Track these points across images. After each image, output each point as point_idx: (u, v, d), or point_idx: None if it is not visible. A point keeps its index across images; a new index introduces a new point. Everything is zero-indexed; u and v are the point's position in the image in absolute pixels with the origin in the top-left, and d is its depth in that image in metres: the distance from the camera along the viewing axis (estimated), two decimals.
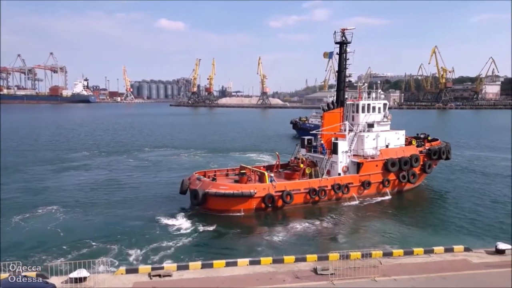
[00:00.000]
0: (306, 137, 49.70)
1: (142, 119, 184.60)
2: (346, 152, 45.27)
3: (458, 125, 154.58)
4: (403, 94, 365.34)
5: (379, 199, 44.77)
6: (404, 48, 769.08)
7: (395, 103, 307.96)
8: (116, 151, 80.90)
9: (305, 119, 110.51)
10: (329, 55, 50.83)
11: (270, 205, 38.58)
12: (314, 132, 50.52)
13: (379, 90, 51.80)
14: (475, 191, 48.66)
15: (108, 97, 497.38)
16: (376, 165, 45.45)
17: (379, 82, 56.02)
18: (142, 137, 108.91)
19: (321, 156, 45.76)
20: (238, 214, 37.91)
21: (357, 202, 42.95)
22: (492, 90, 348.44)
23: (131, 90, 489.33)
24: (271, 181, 39.84)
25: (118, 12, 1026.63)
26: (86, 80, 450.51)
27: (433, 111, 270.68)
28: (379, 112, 49.22)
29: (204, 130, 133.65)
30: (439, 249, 23.87)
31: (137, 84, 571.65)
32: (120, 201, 43.08)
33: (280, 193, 38.99)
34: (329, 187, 41.89)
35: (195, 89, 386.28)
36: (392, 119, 50.64)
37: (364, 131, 47.33)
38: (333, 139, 46.63)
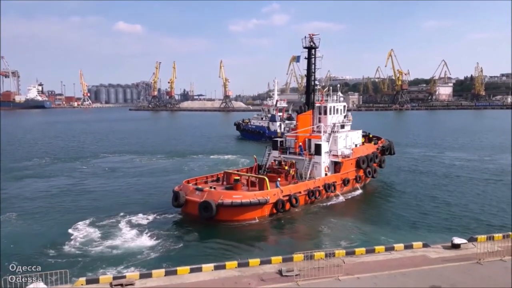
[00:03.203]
0: (279, 139, 50.81)
1: (99, 125, 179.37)
2: (327, 152, 46.58)
3: (414, 126, 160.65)
4: (361, 96, 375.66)
5: (353, 194, 47.43)
6: (361, 51, 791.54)
7: (354, 105, 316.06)
8: (72, 157, 78.16)
9: (247, 121, 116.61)
10: (296, 59, 52.63)
11: (281, 210, 38.57)
12: (289, 134, 51.39)
13: (339, 93, 53.60)
14: (427, 188, 50.79)
15: (64, 102, 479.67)
16: (351, 163, 48.03)
17: (338, 85, 58.15)
18: (99, 143, 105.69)
19: (299, 157, 46.67)
20: (253, 221, 37.10)
21: (343, 199, 44.87)
22: (445, 91, 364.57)
23: (89, 94, 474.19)
24: (277, 185, 39.92)
25: (73, 16, 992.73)
26: (40, 85, 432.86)
27: (391, 112, 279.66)
28: (341, 113, 51.69)
29: (165, 134, 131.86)
30: (399, 246, 24.51)
31: (94, 88, 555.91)
32: (79, 209, 41.52)
33: (287, 197, 39.16)
34: (321, 187, 43.20)
35: (156, 93, 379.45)
36: (349, 121, 52.88)
37: (335, 132, 48.98)
38: (307, 140, 48.49)
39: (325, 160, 46.09)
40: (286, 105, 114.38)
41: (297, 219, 38.79)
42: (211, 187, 38.99)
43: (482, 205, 42.57)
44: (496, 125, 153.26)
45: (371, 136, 58.47)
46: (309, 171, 45.16)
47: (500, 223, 36.42)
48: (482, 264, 21.69)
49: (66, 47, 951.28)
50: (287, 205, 39.14)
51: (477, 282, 19.60)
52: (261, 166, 48.39)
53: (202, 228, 35.77)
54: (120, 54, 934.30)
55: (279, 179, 41.78)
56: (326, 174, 45.68)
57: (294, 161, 46.17)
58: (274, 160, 47.37)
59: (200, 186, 39.33)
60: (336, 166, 46.80)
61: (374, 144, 55.45)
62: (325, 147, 46.31)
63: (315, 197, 42.18)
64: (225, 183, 42.04)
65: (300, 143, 48.38)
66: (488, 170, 61.91)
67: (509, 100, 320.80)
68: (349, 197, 46.19)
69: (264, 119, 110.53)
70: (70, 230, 34.54)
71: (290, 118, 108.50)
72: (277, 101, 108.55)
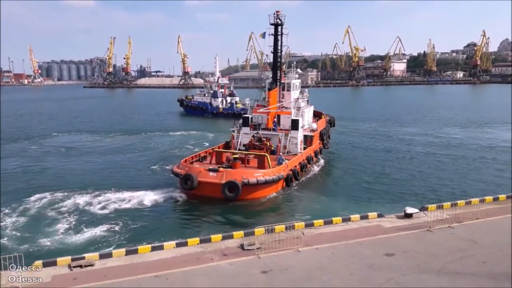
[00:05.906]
0: (249, 116, 49.92)
1: (50, 104, 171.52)
2: (302, 127, 47.97)
3: (369, 101, 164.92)
4: (319, 73, 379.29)
5: (319, 165, 50.26)
6: (317, 28, 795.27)
7: (313, 81, 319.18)
8: (22, 138, 74.52)
9: (191, 97, 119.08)
10: (263, 35, 52.60)
11: (289, 184, 39.81)
12: (260, 110, 50.21)
13: (298, 69, 54.52)
14: (381, 161, 53.02)
15: (13, 80, 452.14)
16: (317, 136, 50.81)
17: (295, 62, 59.42)
18: (49, 122, 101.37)
19: (274, 133, 47.20)
20: (270, 196, 37.92)
21: (318, 169, 48.28)
22: (399, 67, 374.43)
23: (40, 71, 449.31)
24: (281, 161, 40.43)
25: None
26: None
27: (348, 88, 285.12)
28: (298, 89, 52.65)
29: (121, 112, 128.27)
30: (355, 217, 25.44)
31: (45, 65, 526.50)
32: (33, 189, 39.73)
33: (291, 172, 40.21)
34: (306, 161, 44.84)
35: (111, 69, 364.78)
36: (306, 96, 55.95)
37: (301, 107, 50.46)
38: (276, 115, 49.74)
39: (300, 134, 47.23)
40: (227, 82, 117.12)
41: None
42: (219, 167, 38.13)
43: (431, 176, 44.84)
44: (446, 101, 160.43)
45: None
46: (287, 146, 46.11)
47: (447, 193, 38.61)
48: (432, 232, 22.98)
49: (12, 21, 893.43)
50: (293, 179, 40.49)
51: (427, 248, 20.79)
52: (229, 143, 48.51)
53: (166, 207, 35.56)
54: (71, 29, 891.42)
55: (281, 154, 43.00)
56: (305, 148, 47.07)
57: (279, 137, 46.49)
58: (253, 137, 46.74)
59: (213, 167, 38.09)
60: (307, 140, 48.52)
61: (324, 118, 59.91)
62: (301, 122, 47.46)
63: (304, 170, 43.98)
64: (213, 161, 41.20)
65: (275, 119, 49.23)
66: (435, 144, 64.99)
67: (458, 75, 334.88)
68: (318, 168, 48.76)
69: (206, 95, 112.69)
70: (24, 210, 33.32)
71: (232, 94, 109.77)
72: (218, 77, 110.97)
